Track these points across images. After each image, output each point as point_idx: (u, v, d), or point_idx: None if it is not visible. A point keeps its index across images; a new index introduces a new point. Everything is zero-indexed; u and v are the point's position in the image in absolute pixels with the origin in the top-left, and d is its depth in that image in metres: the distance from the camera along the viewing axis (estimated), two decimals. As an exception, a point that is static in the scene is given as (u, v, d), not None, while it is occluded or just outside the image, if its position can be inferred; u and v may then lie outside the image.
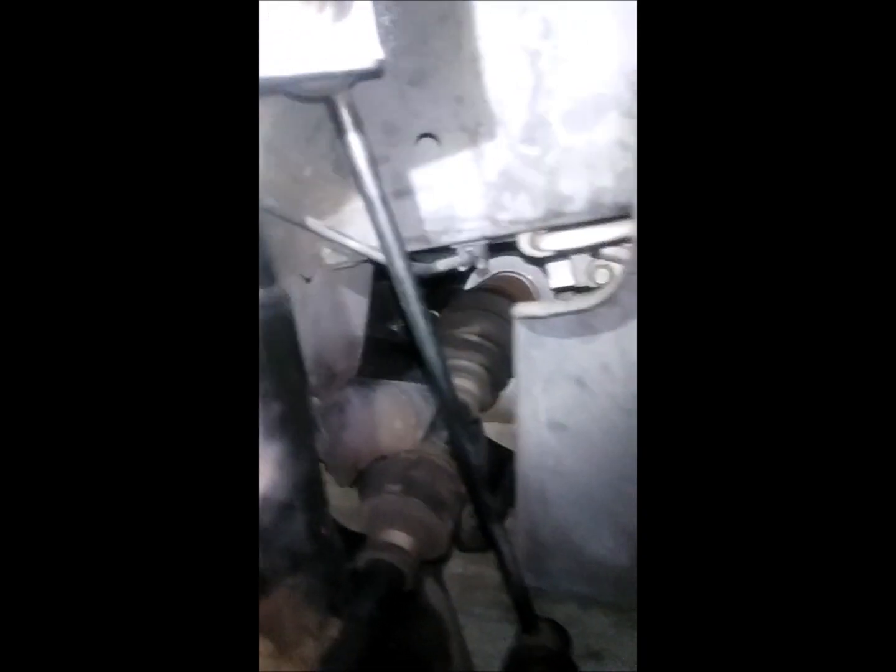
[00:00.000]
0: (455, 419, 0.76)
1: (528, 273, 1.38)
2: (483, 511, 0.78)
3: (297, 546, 0.57)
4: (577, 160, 0.76)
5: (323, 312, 0.90)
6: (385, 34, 0.68)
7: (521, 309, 0.81)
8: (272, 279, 0.55)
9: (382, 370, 1.14)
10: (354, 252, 0.83)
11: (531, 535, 0.90)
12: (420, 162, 0.82)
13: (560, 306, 0.82)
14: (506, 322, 1.18)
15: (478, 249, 1.15)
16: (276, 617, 0.55)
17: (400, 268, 0.72)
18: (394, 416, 1.10)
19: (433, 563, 0.94)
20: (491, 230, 0.85)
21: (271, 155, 0.78)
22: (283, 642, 0.52)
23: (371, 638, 0.74)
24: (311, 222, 0.76)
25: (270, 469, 0.55)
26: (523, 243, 0.99)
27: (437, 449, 0.96)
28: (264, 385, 0.54)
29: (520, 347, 0.84)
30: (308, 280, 0.85)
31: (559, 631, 0.84)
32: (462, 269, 0.82)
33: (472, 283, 1.42)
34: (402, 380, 1.14)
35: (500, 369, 1.10)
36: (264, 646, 0.51)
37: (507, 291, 1.28)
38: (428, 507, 0.86)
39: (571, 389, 0.83)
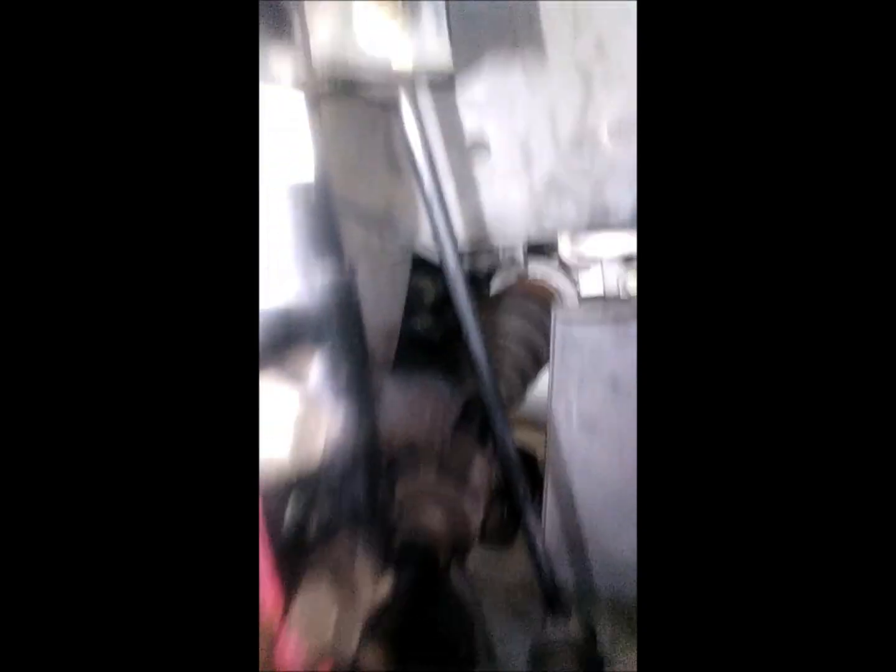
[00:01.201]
0: (496, 408, 0.80)
1: (553, 280, 1.42)
2: (518, 497, 0.82)
3: (357, 503, 0.62)
4: (623, 172, 0.81)
5: (365, 300, 0.95)
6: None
7: (562, 312, 0.86)
8: (339, 251, 0.60)
9: (408, 364, 1.18)
10: (401, 247, 0.88)
11: (559, 533, 0.93)
12: (471, 167, 0.87)
13: (598, 311, 0.87)
14: (536, 325, 1.23)
15: (518, 253, 1.20)
16: (339, 563, 0.59)
17: (452, 264, 0.76)
18: (425, 407, 1.14)
19: (461, 550, 0.97)
20: (534, 235, 0.90)
21: (330, 147, 0.83)
22: (344, 586, 0.56)
23: (402, 617, 0.77)
24: (365, 214, 0.80)
25: (334, 430, 0.60)
26: (563, 249, 1.04)
27: (471, 437, 1.00)
28: (332, 351, 0.58)
29: (556, 348, 0.88)
30: (353, 270, 0.90)
31: (585, 623, 0.86)
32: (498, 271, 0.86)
33: (496, 287, 1.47)
34: (426, 374, 1.19)
35: (529, 370, 1.14)
36: (327, 592, 0.55)
37: (536, 296, 1.33)
38: (461, 491, 0.90)
39: (604, 392, 0.87)
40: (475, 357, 0.78)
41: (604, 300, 1.11)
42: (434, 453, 0.97)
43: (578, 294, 1.16)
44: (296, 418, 0.52)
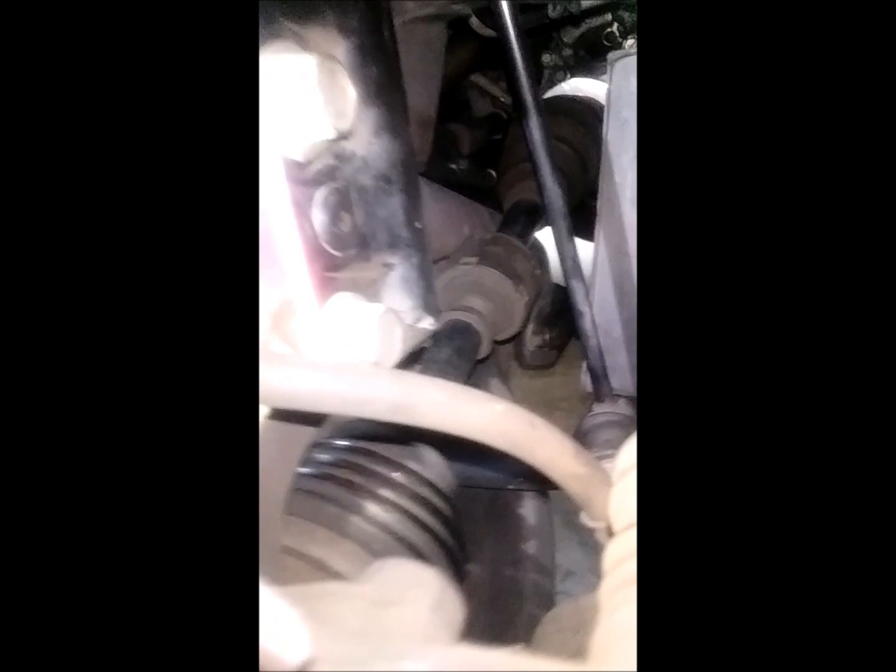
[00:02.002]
0: (558, 214, 0.72)
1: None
2: (573, 292, 0.75)
3: (394, 227, 0.56)
4: None
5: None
6: None
7: (618, 55, 0.75)
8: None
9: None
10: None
11: (603, 332, 0.88)
12: None
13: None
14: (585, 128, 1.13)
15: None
16: (374, 287, 0.54)
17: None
18: (462, 220, 1.07)
19: (507, 342, 0.93)
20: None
21: None
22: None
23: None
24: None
25: (368, 136, 0.53)
26: None
27: (513, 236, 0.94)
28: (361, 40, 0.51)
29: (611, 108, 0.79)
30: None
31: (629, 404, 0.83)
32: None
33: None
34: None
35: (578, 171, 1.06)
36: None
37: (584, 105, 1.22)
38: (504, 277, 0.84)
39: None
40: (533, 141, 0.70)
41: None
42: (477, 241, 0.91)
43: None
44: (321, 87, 0.45)
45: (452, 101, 1.33)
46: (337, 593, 0.31)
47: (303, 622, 0.23)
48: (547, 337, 1.19)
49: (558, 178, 0.72)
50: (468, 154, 1.57)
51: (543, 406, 1.14)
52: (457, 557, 0.56)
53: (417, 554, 0.52)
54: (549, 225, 0.75)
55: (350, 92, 0.49)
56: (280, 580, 0.46)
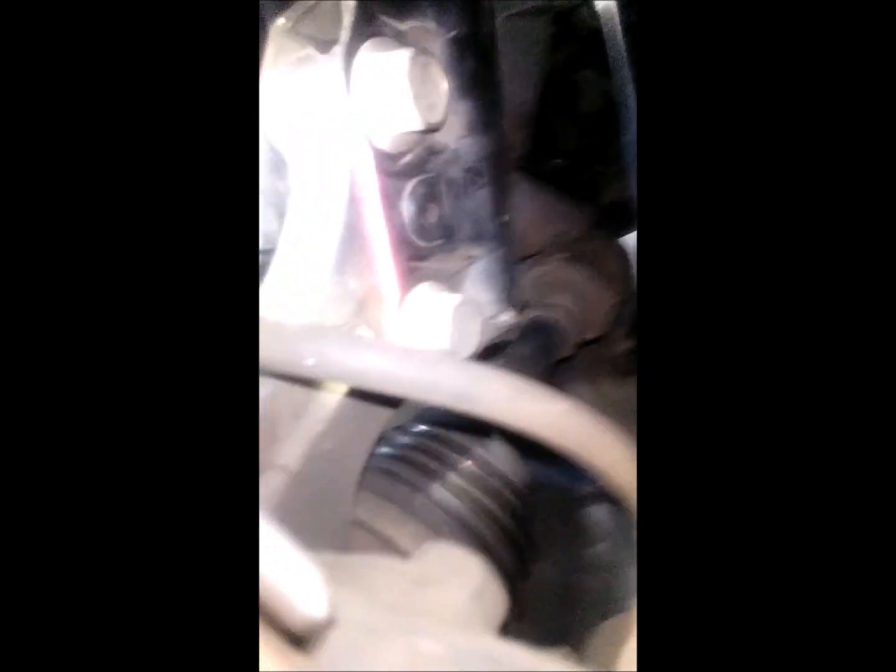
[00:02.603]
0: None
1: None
2: None
3: (481, 219, 0.57)
4: None
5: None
6: None
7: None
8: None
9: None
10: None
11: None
12: None
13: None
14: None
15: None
16: (454, 277, 0.55)
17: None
18: (557, 217, 1.06)
19: (591, 343, 0.91)
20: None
21: None
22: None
23: (531, 378, 0.74)
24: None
25: (460, 129, 0.54)
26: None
27: (606, 234, 0.92)
28: (458, 33, 0.52)
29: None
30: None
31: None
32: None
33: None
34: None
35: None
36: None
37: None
38: (594, 275, 0.83)
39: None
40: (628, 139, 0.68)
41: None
42: (572, 237, 0.90)
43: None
44: (414, 80, 0.47)
45: (560, 96, 1.32)
46: (380, 566, 0.32)
47: (324, 584, 0.24)
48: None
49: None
50: (573, 150, 1.55)
51: (631, 414, 1.10)
52: (521, 551, 0.56)
53: (481, 542, 0.52)
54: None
55: (442, 85, 0.50)
56: (347, 552, 0.48)
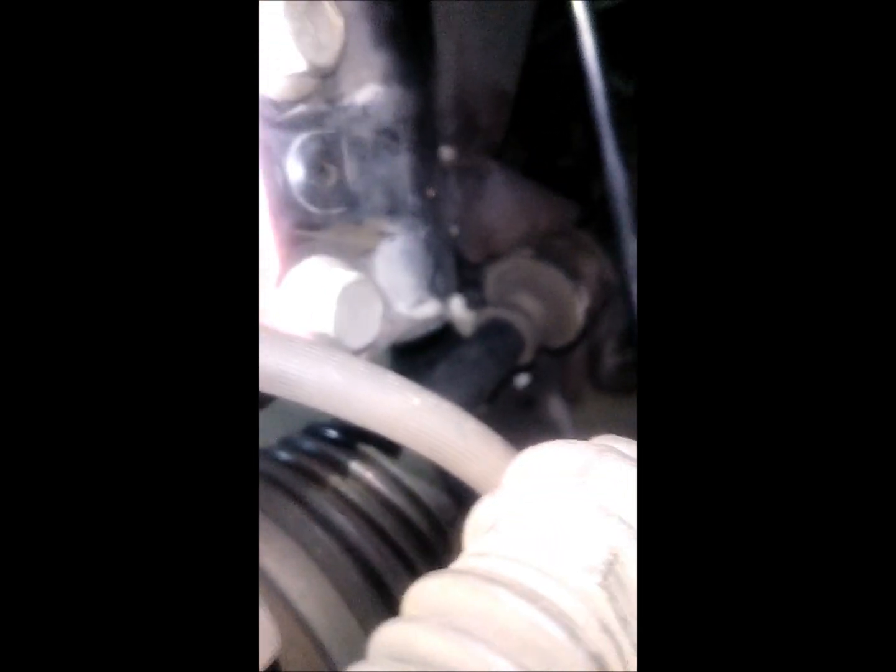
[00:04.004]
0: (621, 211, 0.61)
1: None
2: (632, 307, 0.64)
3: (397, 190, 0.48)
4: None
5: (471, 44, 0.78)
6: None
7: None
8: None
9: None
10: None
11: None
12: None
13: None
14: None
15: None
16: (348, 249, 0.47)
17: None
18: (540, 211, 0.98)
19: (559, 353, 0.82)
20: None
21: None
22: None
23: (473, 384, 0.65)
24: None
25: (373, 83, 0.46)
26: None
27: (587, 233, 0.83)
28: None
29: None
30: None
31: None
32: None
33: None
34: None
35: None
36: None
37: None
38: (561, 274, 0.74)
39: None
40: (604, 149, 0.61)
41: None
42: (539, 234, 0.81)
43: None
44: (288, 13, 0.39)
45: (570, 95, 1.25)
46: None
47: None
48: (629, 357, 1.06)
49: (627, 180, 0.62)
50: (579, 150, 1.48)
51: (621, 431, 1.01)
52: (415, 575, 0.47)
53: (363, 563, 0.44)
54: (613, 220, 0.65)
55: (335, 23, 0.42)
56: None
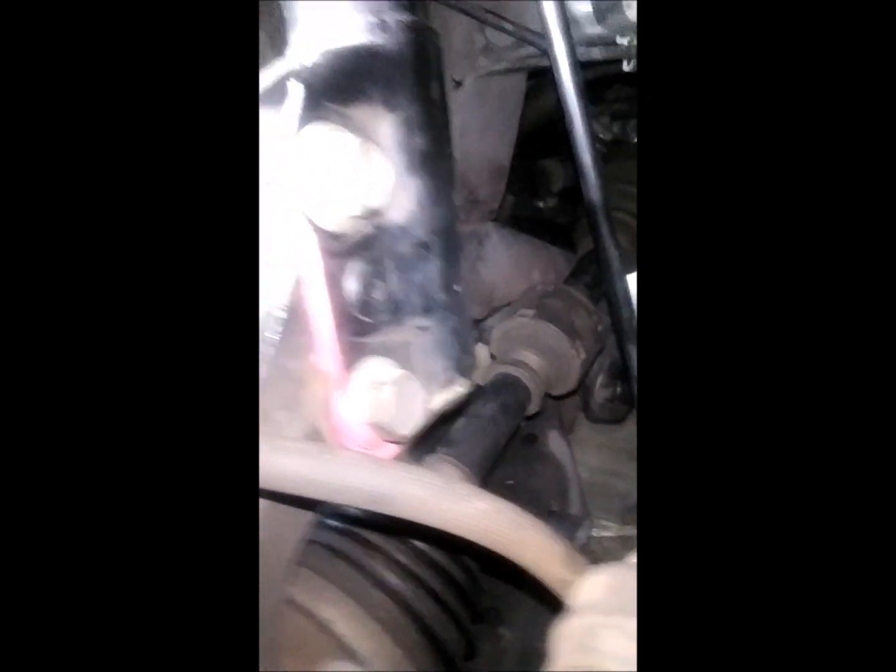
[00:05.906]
0: (611, 270, 0.70)
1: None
2: (625, 353, 0.73)
3: (430, 291, 0.57)
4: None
5: (470, 126, 0.87)
6: None
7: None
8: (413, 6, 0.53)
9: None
10: (513, 44, 0.78)
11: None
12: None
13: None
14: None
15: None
16: (405, 353, 0.55)
17: (562, 53, 0.66)
18: (533, 266, 1.06)
19: (561, 398, 0.91)
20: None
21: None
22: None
23: (490, 437, 0.74)
24: (472, 5, 0.72)
25: (409, 205, 0.54)
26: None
27: (578, 289, 0.92)
28: (407, 113, 0.52)
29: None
30: (459, 84, 0.82)
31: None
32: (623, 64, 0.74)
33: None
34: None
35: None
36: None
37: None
38: (561, 332, 0.83)
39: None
40: (591, 201, 0.69)
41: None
42: (537, 293, 0.90)
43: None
44: (355, 166, 0.47)
45: (547, 137, 1.33)
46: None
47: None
48: (618, 390, 1.15)
49: (615, 234, 0.70)
50: (559, 191, 1.55)
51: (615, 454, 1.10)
52: (465, 630, 0.55)
53: (419, 622, 0.52)
54: (602, 279, 0.73)
55: (386, 170, 0.50)
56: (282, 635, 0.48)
